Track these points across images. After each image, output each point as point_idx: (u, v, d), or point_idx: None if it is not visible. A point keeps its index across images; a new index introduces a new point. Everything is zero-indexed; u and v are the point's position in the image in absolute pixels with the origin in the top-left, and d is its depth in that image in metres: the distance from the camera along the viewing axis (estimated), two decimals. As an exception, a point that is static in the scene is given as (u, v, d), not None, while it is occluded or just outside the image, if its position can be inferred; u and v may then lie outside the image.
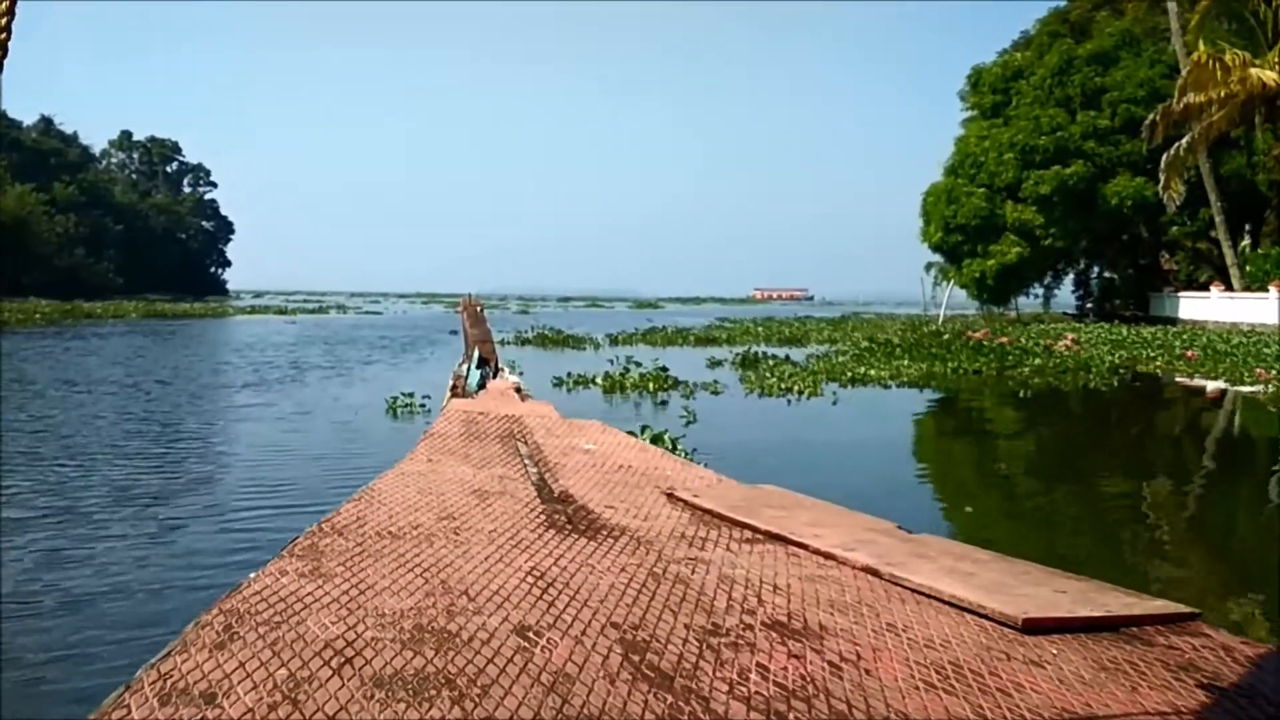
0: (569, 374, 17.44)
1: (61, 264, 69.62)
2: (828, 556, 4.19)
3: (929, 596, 3.61)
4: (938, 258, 49.37)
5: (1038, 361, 21.33)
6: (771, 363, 21.42)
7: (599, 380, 16.86)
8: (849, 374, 18.95)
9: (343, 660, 2.59)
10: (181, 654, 2.59)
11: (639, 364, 18.14)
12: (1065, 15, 46.02)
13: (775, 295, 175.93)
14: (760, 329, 39.57)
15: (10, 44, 1.44)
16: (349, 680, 2.46)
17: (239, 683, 2.42)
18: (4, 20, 1.43)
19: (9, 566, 5.74)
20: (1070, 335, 28.05)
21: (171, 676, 2.44)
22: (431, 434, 7.63)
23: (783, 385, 16.74)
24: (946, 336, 27.50)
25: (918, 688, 2.66)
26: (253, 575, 3.33)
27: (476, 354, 13.42)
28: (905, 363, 20.74)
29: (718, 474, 6.63)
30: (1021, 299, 47.29)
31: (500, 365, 14.04)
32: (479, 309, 17.17)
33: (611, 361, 19.61)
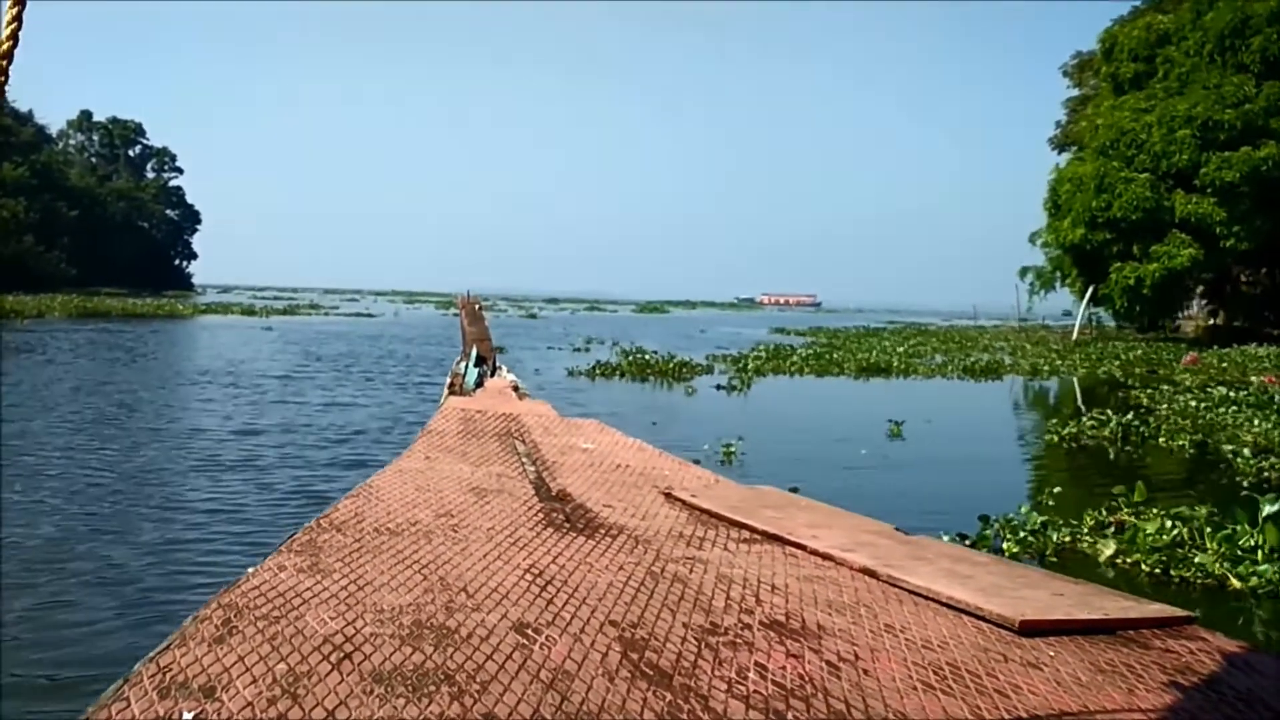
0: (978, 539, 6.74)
1: (6, 252, 67.63)
2: (826, 557, 4.35)
3: (927, 598, 3.76)
4: (1036, 261, 43.36)
5: None
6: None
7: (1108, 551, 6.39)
8: None
9: (342, 655, 2.69)
10: (180, 648, 2.69)
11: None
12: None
13: (783, 300, 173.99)
14: (902, 349, 29.98)
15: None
16: (348, 675, 2.56)
17: (238, 677, 2.52)
18: (4, 62, 1.54)
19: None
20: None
21: (170, 670, 2.54)
22: (429, 431, 7.78)
23: None
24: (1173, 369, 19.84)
25: (915, 688, 2.80)
26: (251, 570, 3.42)
27: (475, 352, 13.66)
28: None
29: (715, 474, 6.78)
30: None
31: (498, 365, 14.25)
32: (477, 307, 17.29)
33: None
